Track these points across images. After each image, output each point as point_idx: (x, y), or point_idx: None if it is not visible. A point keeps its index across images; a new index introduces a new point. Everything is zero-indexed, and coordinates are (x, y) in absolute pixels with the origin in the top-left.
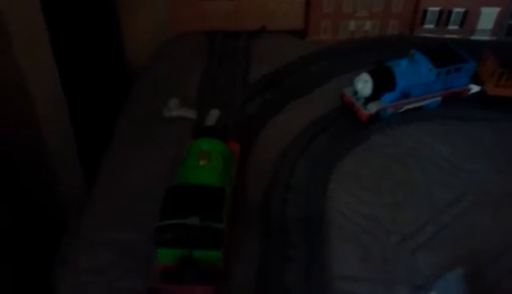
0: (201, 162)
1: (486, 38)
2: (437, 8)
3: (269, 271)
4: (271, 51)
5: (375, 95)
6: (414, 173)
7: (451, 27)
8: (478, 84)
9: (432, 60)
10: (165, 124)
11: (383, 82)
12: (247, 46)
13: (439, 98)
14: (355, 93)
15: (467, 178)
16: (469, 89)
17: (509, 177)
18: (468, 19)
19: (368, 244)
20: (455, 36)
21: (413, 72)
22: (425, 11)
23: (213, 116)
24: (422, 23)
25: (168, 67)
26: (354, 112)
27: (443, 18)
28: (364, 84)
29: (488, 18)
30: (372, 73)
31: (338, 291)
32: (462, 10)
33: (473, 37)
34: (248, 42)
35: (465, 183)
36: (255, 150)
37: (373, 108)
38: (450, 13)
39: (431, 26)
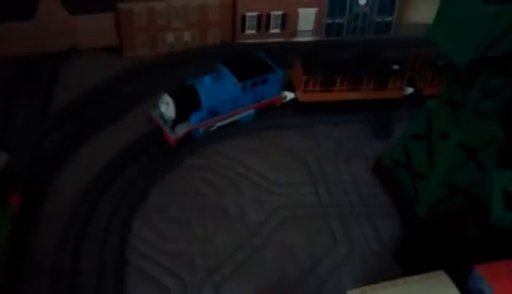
0: None
1: (309, 38)
2: (255, 13)
3: None
4: (83, 72)
5: (183, 116)
6: (227, 195)
7: (273, 30)
8: (292, 91)
9: (236, 74)
10: None
11: (188, 103)
12: (54, 70)
13: (252, 111)
14: (162, 115)
15: (280, 192)
16: (282, 98)
17: (322, 185)
18: (288, 22)
19: (169, 286)
20: (278, 39)
21: (218, 88)
22: (243, 17)
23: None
24: (243, 29)
25: None
26: (162, 136)
27: (263, 22)
28: (166, 107)
29: (307, 19)
30: (174, 95)
31: None
32: (280, 12)
33: (296, 39)
34: (56, 65)
35: (277, 198)
36: (51, 196)
37: (180, 130)
38: (269, 16)
39: (253, 32)
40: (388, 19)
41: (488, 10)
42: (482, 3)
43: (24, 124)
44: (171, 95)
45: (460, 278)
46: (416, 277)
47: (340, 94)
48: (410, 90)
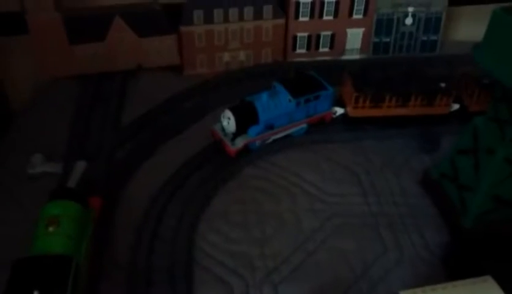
0: (50, 228)
1: (356, 56)
2: (305, 34)
3: None
4: (148, 89)
5: (242, 130)
6: (282, 203)
7: (322, 49)
8: (342, 106)
9: (290, 91)
10: (29, 182)
11: (247, 117)
12: (122, 87)
13: (305, 125)
14: (223, 129)
15: (333, 202)
16: (333, 113)
17: (372, 196)
18: (336, 41)
19: (232, 284)
20: (326, 57)
21: (274, 104)
22: (295, 37)
23: (78, 169)
24: (294, 49)
25: (35, 119)
26: (223, 148)
27: (313, 42)
28: (228, 121)
29: (354, 38)
30: (234, 110)
31: None
32: (329, 32)
33: (344, 57)
34: (124, 83)
35: (330, 207)
36: (125, 200)
37: (239, 142)
38: (319, 36)
39: (303, 51)
40: (434, 37)
41: None
42: None
43: (98, 136)
44: (232, 110)
45: (507, 284)
46: (464, 281)
47: (389, 109)
48: (456, 106)
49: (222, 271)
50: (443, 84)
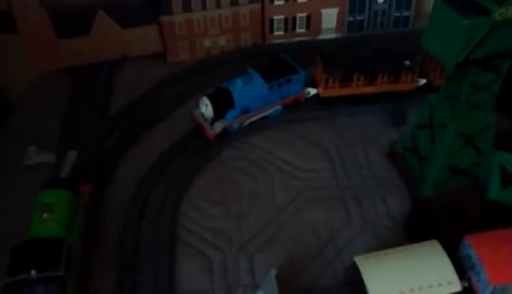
0: (44, 215)
1: (332, 35)
2: (282, 17)
3: None
4: (133, 77)
5: (220, 114)
6: (258, 181)
7: (299, 30)
8: (315, 87)
9: (263, 76)
10: (26, 172)
11: (223, 103)
12: (109, 77)
13: (279, 107)
14: (203, 114)
15: (305, 177)
16: (306, 94)
17: (341, 169)
18: (312, 22)
19: (211, 256)
20: (304, 38)
21: (249, 89)
22: (271, 21)
23: (70, 158)
24: (272, 31)
25: (29, 112)
26: (203, 132)
27: (289, 24)
28: (206, 108)
29: (329, 18)
30: (211, 97)
31: None
32: (304, 14)
33: (320, 36)
34: (111, 72)
35: (302, 182)
36: (114, 185)
37: (218, 127)
38: (295, 18)
39: (280, 33)
40: (406, 13)
41: (465, 23)
42: (460, 17)
43: (88, 126)
44: (209, 97)
45: (453, 247)
46: (413, 245)
47: (358, 88)
48: (423, 81)
49: (202, 245)
50: (407, 62)
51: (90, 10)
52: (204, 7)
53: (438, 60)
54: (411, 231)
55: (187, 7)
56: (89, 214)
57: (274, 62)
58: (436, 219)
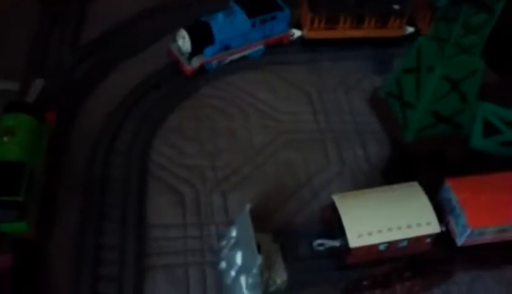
0: (5, 138)
1: None
2: None
3: (85, 230)
4: (106, 11)
5: (198, 50)
6: (236, 120)
7: None
8: (299, 28)
9: (246, 11)
10: None
11: (202, 37)
12: (81, 9)
13: (261, 47)
14: (180, 49)
15: (284, 120)
16: (290, 35)
17: (322, 114)
18: None
19: (184, 192)
20: None
21: (230, 24)
22: None
23: (36, 86)
24: None
25: None
26: (180, 68)
27: None
28: (183, 41)
29: None
30: (189, 29)
31: (152, 238)
32: None
33: None
34: (83, 5)
35: (281, 124)
36: (84, 116)
37: (196, 62)
38: None
39: None
40: None
41: None
42: None
43: (57, 56)
44: (187, 29)
45: (432, 192)
46: (393, 186)
47: (344, 31)
48: (410, 29)
49: (175, 181)
50: (396, 6)
51: None
52: None
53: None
54: (389, 176)
55: None
56: (55, 144)
57: None
58: (416, 164)
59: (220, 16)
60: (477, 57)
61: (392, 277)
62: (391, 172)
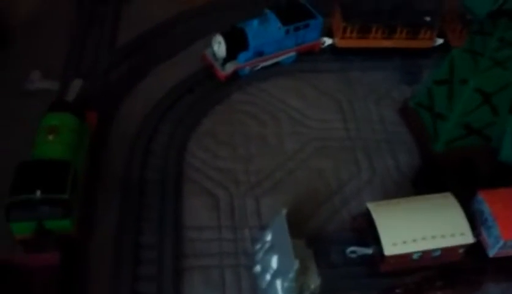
0: (50, 137)
1: None
2: None
3: (124, 230)
4: (141, 13)
5: (232, 55)
6: (267, 126)
7: None
8: (330, 37)
9: (280, 18)
10: (27, 98)
11: (237, 43)
12: (116, 10)
13: (293, 54)
14: (214, 54)
15: (315, 127)
16: (321, 43)
17: (352, 122)
18: None
19: (219, 195)
20: None
21: (264, 31)
22: None
23: (75, 86)
24: None
25: (33, 36)
26: (213, 73)
27: None
28: (218, 46)
29: None
30: (225, 35)
31: (188, 239)
32: None
33: None
34: (118, 7)
35: (312, 131)
36: (120, 117)
37: (229, 68)
38: None
39: None
40: None
41: None
42: None
43: (94, 56)
44: (223, 35)
45: (466, 201)
46: (426, 196)
47: (375, 41)
48: (440, 41)
49: (209, 184)
50: (428, 18)
51: None
52: None
53: (470, 11)
54: (419, 185)
55: None
56: (95, 144)
57: (292, 6)
58: (446, 175)
59: (255, 22)
60: (511, 71)
61: (424, 286)
62: (421, 182)
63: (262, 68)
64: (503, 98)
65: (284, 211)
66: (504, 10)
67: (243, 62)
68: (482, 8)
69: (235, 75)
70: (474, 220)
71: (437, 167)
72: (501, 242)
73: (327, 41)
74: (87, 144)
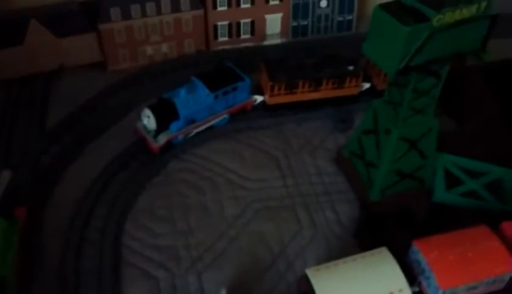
0: None
1: (277, 41)
2: (226, 22)
3: None
4: (72, 89)
5: (163, 126)
6: (206, 193)
7: (244, 36)
8: (261, 94)
9: (208, 85)
10: None
11: (167, 114)
12: (45, 89)
13: (226, 116)
14: (145, 126)
15: (253, 188)
16: (253, 101)
17: (290, 178)
18: (256, 27)
19: (159, 277)
20: (249, 44)
21: (193, 99)
22: (215, 26)
23: (3, 180)
24: (216, 38)
25: None
26: (146, 145)
27: (234, 30)
28: (148, 120)
29: (273, 23)
30: (153, 108)
31: None
32: (248, 20)
33: (266, 42)
34: (48, 84)
35: (251, 193)
36: (52, 205)
37: (162, 139)
38: (239, 24)
39: (225, 39)
40: (349, 17)
41: (404, 30)
42: (400, 25)
43: (23, 142)
44: (151, 108)
45: (403, 252)
46: (362, 254)
47: (304, 95)
48: (367, 85)
49: (149, 265)
50: (351, 67)
51: (23, 19)
52: (144, 13)
53: (380, 67)
54: (361, 237)
55: (126, 14)
56: (26, 239)
57: (218, 70)
58: (384, 225)
59: (182, 92)
60: (430, 116)
61: None
62: (362, 233)
63: (196, 133)
64: (428, 141)
65: (223, 291)
66: (412, 66)
67: (175, 132)
68: (390, 68)
69: (169, 144)
70: (413, 271)
71: (375, 216)
72: (440, 292)
73: (259, 98)
74: (16, 244)
